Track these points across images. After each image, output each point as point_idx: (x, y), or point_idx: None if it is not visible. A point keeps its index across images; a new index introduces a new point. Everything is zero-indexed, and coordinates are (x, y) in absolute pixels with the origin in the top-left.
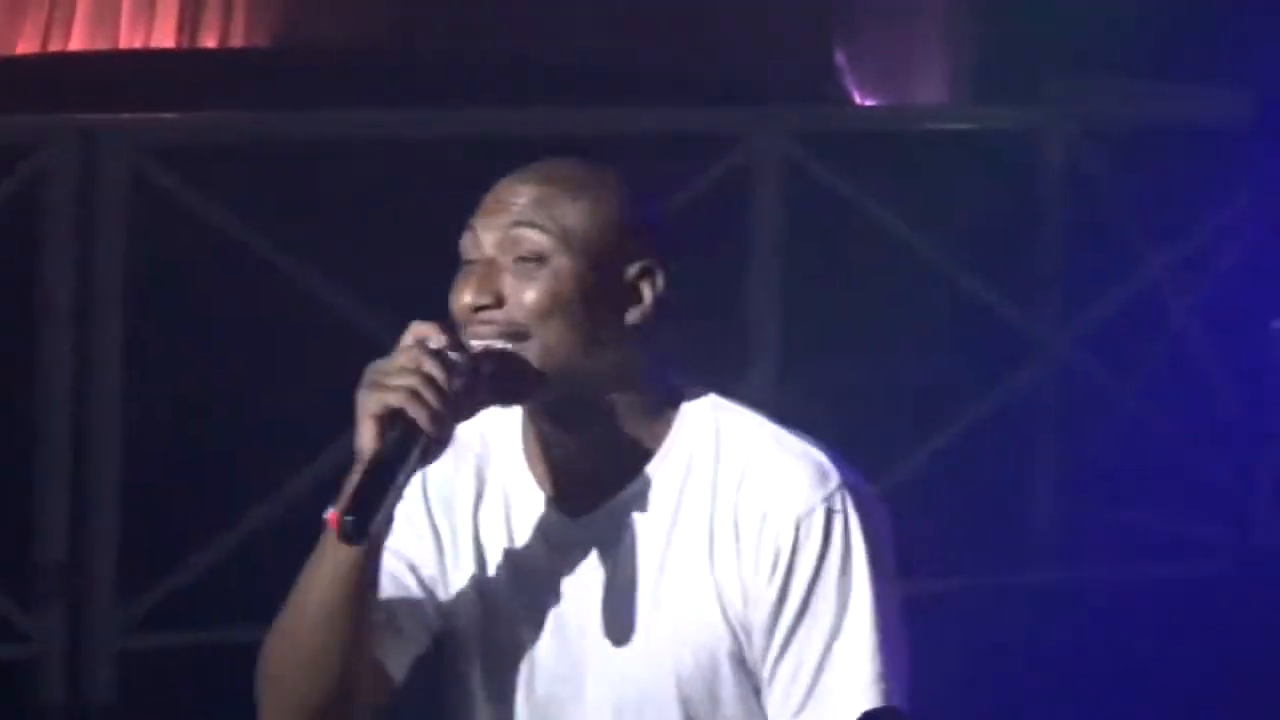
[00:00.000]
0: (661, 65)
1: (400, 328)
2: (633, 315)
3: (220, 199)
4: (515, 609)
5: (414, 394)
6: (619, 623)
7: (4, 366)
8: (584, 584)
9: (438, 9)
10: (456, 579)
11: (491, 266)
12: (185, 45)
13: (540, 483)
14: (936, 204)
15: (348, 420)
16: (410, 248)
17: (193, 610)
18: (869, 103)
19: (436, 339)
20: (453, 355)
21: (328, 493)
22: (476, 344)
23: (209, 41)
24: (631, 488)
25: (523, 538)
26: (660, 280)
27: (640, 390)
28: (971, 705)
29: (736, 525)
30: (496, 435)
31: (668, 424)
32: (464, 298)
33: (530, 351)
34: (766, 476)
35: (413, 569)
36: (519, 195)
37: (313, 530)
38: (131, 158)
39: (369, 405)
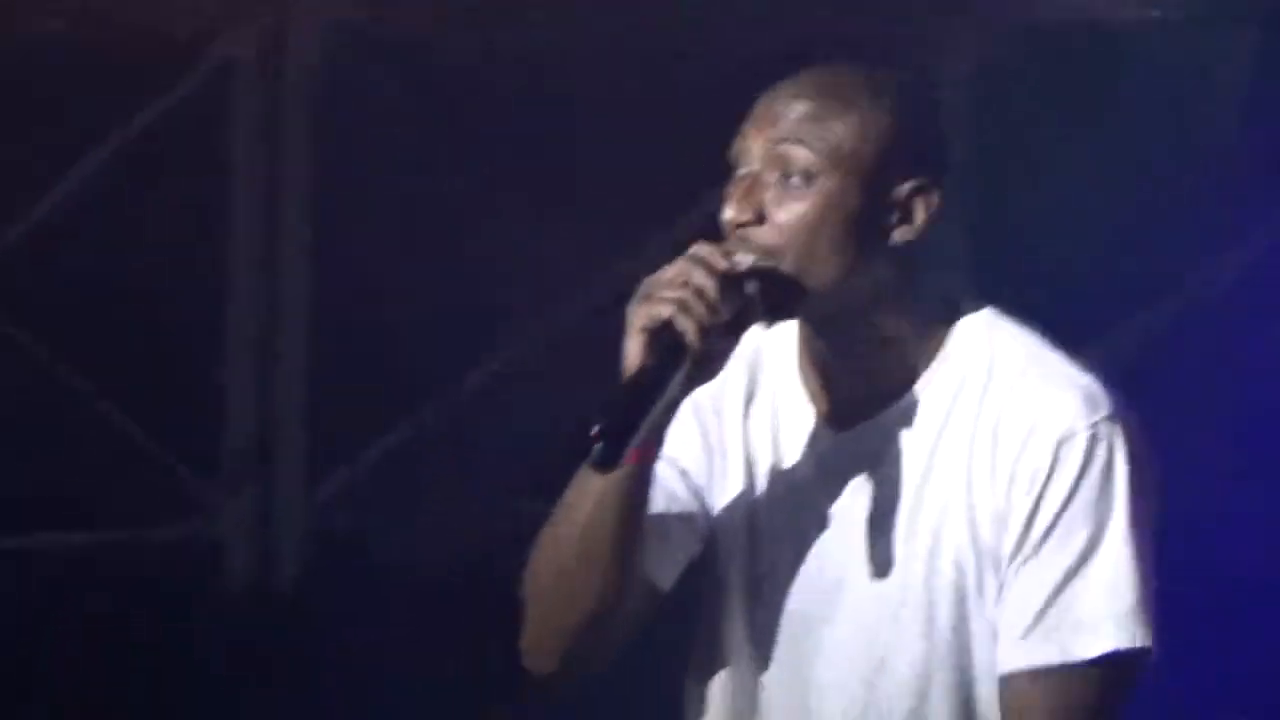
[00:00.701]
0: None
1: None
2: (901, 233)
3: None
4: (778, 519)
5: (683, 305)
6: (878, 539)
7: (197, 256)
8: (846, 498)
9: None
10: (723, 486)
11: (757, 181)
12: None
13: (811, 396)
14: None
15: (527, 309)
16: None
17: (377, 495)
18: None
19: (711, 255)
20: (725, 269)
21: (509, 382)
22: (742, 260)
23: None
24: (899, 404)
25: (789, 449)
26: (935, 198)
27: (909, 308)
28: None
29: (996, 443)
30: (771, 346)
31: (940, 341)
32: (726, 212)
33: (787, 272)
34: (1033, 396)
35: (683, 475)
36: (790, 108)
37: (492, 419)
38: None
39: (638, 318)
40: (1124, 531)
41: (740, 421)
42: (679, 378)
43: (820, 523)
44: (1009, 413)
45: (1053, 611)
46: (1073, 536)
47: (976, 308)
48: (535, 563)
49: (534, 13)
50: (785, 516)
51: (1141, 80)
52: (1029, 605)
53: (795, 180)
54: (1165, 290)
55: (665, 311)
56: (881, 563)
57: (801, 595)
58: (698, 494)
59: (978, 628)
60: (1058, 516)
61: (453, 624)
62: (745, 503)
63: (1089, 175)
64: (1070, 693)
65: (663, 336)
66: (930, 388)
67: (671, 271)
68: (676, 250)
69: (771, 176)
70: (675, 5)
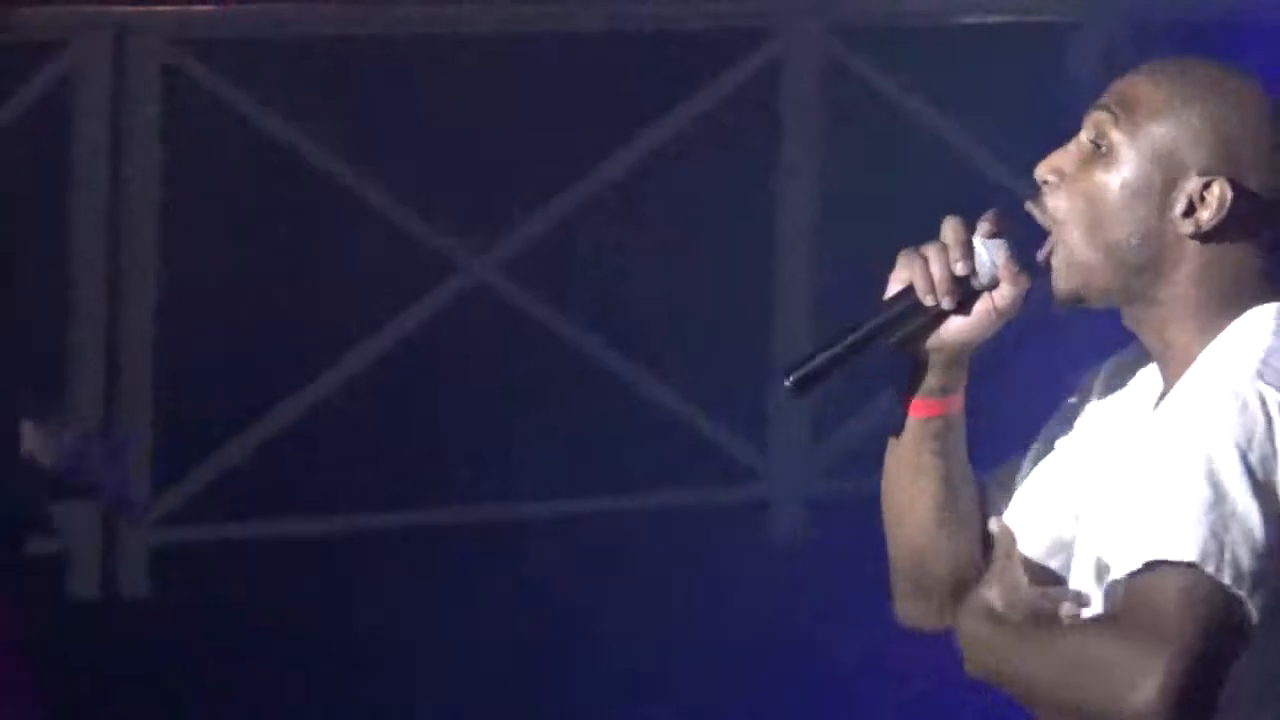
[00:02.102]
0: None
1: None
2: (1186, 226)
3: (253, 91)
4: (1086, 501)
5: (923, 260)
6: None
7: (39, 259)
8: (1119, 473)
9: None
10: (1088, 467)
11: (1073, 147)
12: None
13: (1142, 377)
14: (975, 97)
15: (380, 314)
16: (437, 142)
17: (222, 505)
18: None
19: (986, 222)
20: (985, 243)
21: (359, 388)
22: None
23: None
24: (1172, 394)
25: (1126, 431)
26: (1228, 197)
27: (1191, 298)
28: None
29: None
30: None
31: (1212, 336)
32: (1038, 168)
33: (1064, 242)
34: (1228, 360)
35: (1056, 458)
36: (1126, 84)
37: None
38: (164, 51)
39: (897, 269)
40: (1235, 489)
41: (1117, 419)
42: (915, 324)
43: (1101, 500)
44: (1168, 410)
45: (1151, 519)
46: (1172, 458)
47: (1262, 311)
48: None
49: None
50: (1090, 500)
51: (978, 79)
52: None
53: (1095, 150)
54: None
55: (908, 269)
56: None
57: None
58: (1067, 489)
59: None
60: (1168, 438)
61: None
62: (1072, 475)
63: (932, 168)
64: (1133, 597)
65: (905, 293)
66: (1185, 384)
67: (940, 234)
68: None
69: (1083, 142)
70: None
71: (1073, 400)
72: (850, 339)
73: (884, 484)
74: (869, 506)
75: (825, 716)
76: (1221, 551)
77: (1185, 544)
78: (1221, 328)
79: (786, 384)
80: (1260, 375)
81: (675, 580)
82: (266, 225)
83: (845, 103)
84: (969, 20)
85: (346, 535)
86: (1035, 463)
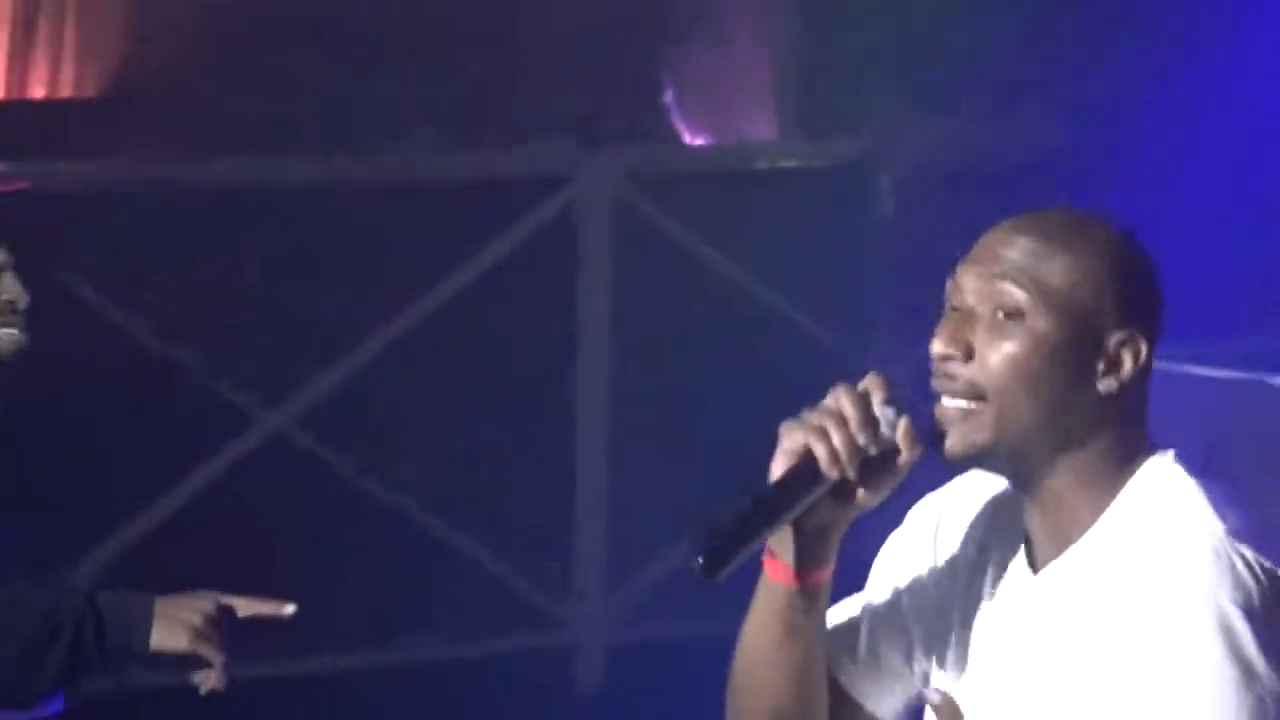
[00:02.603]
0: (480, 106)
1: None
2: (1106, 384)
3: None
4: (976, 653)
5: (822, 432)
6: (1031, 695)
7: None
8: (1023, 642)
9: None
10: (942, 612)
11: (969, 317)
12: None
13: (1021, 532)
14: (768, 242)
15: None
16: (237, 294)
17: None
18: (698, 141)
19: (874, 387)
20: (879, 408)
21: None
22: (943, 399)
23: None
24: (1070, 553)
25: (999, 584)
26: (1144, 351)
27: (1099, 455)
28: None
29: (1123, 604)
30: None
31: (1115, 492)
32: (934, 345)
33: (987, 416)
34: (1168, 573)
35: (906, 606)
36: (1008, 246)
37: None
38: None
39: (784, 440)
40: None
41: (976, 549)
42: (811, 499)
43: (997, 666)
44: (1144, 574)
45: None
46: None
47: (1161, 465)
48: (731, 672)
49: None
50: (980, 659)
51: (769, 222)
52: None
53: (1008, 319)
54: None
55: (803, 436)
56: (1032, 709)
57: None
58: (911, 620)
59: None
60: (1151, 691)
61: None
62: (954, 644)
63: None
64: None
65: (802, 462)
66: (1093, 540)
67: (828, 401)
68: None
69: (984, 313)
70: None
71: (904, 538)
72: (755, 521)
73: (746, 656)
74: (667, 651)
75: None
76: None
77: None
78: (1123, 481)
79: (696, 567)
80: (1227, 533)
81: None
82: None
83: (639, 249)
84: (760, 166)
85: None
86: (873, 606)
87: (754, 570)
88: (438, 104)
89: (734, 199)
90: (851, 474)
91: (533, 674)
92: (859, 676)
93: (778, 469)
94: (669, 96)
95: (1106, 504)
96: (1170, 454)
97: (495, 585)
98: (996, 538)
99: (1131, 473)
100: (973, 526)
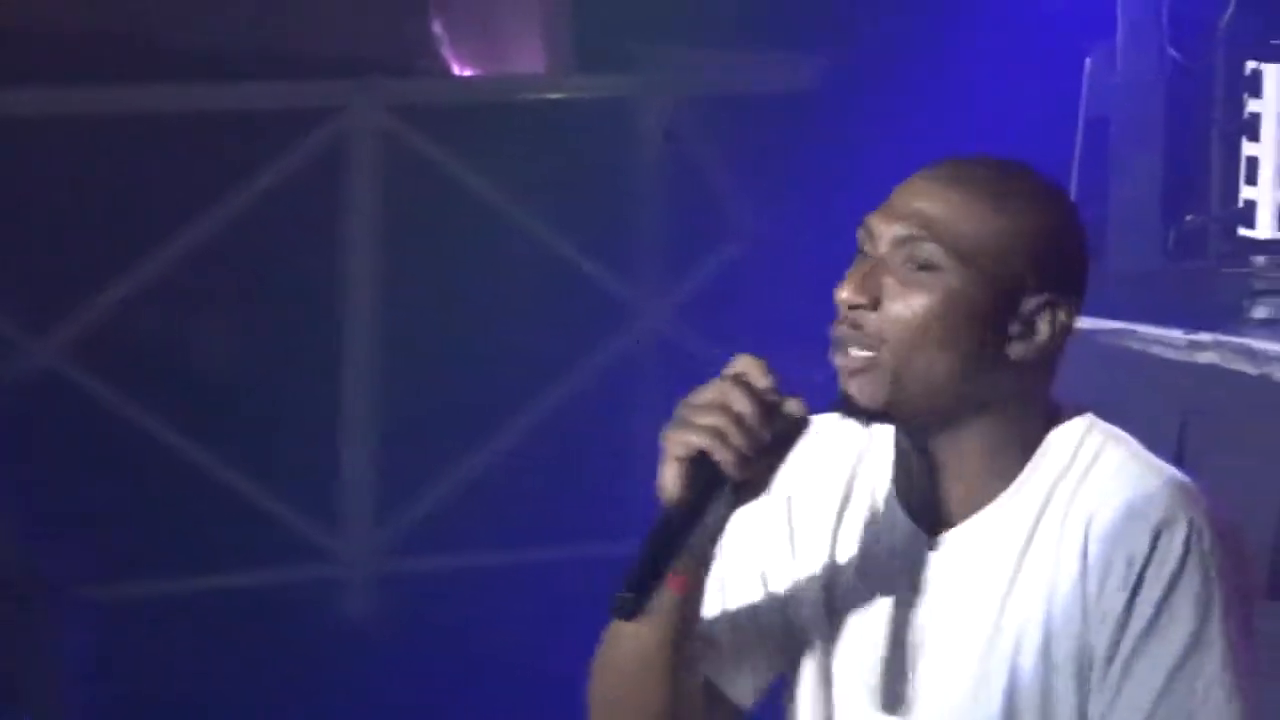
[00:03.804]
0: (250, 39)
1: None
2: (1018, 349)
3: None
4: (858, 621)
5: (719, 434)
6: (958, 649)
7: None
8: (933, 609)
9: None
10: (806, 583)
11: (879, 266)
12: None
13: (903, 495)
14: (536, 175)
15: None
16: (8, 223)
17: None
18: (466, 73)
19: (756, 374)
20: (769, 396)
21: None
22: (846, 348)
23: None
24: (989, 510)
25: (877, 549)
26: (1062, 318)
27: (1009, 420)
28: None
29: (1087, 541)
30: (873, 446)
31: (1032, 450)
32: (840, 292)
33: (887, 369)
34: (1124, 491)
35: (766, 587)
36: (927, 197)
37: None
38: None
39: (673, 446)
40: (1226, 631)
41: (834, 516)
42: (719, 504)
43: (899, 626)
44: (1103, 507)
45: (1161, 712)
46: (1176, 629)
47: (1075, 415)
48: (590, 691)
49: None
50: (864, 618)
51: (539, 154)
52: (1138, 706)
53: (920, 270)
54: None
55: (700, 441)
56: (960, 666)
57: (875, 700)
58: (782, 607)
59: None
60: (1159, 608)
61: None
62: (829, 612)
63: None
64: None
65: (698, 466)
66: (1021, 493)
67: (709, 394)
68: None
69: (895, 263)
70: None
71: (754, 515)
72: (670, 544)
73: (624, 664)
74: (436, 582)
75: None
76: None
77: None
78: (1038, 445)
79: (623, 608)
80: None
81: (250, 659)
82: None
83: (408, 181)
84: (528, 98)
85: None
86: (731, 590)
87: (520, 504)
88: (209, 35)
89: (503, 132)
90: (758, 472)
91: (301, 606)
92: (722, 665)
93: (670, 477)
94: (438, 28)
95: (1018, 470)
96: (1090, 415)
97: (263, 518)
98: (865, 505)
99: (1045, 435)
100: (831, 487)
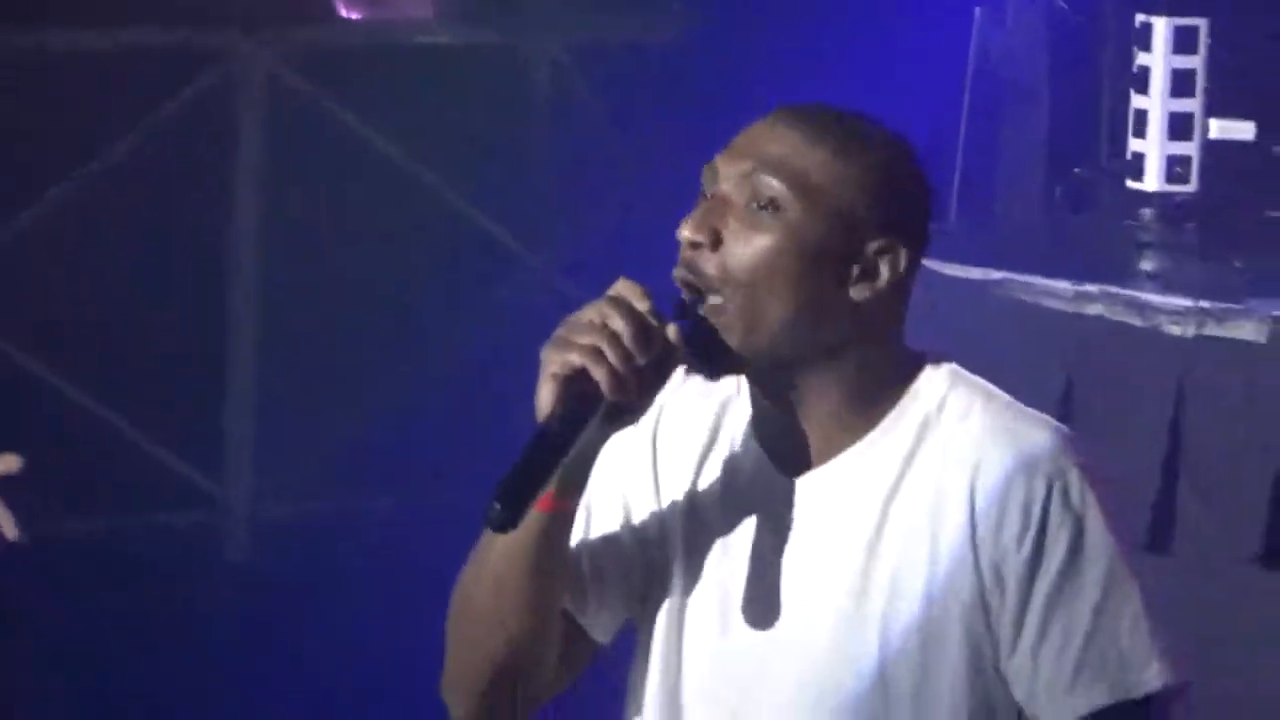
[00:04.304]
0: None
1: None
2: (859, 291)
3: None
4: (721, 564)
5: (596, 353)
6: (821, 593)
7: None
8: (794, 550)
9: None
10: (669, 524)
11: (721, 205)
12: None
13: (767, 446)
14: (426, 121)
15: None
16: None
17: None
18: (354, 16)
19: (635, 297)
20: (648, 319)
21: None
22: (685, 293)
23: None
24: (853, 450)
25: (738, 492)
26: (903, 261)
27: (858, 366)
28: None
29: (973, 491)
30: (740, 392)
31: (896, 395)
32: (682, 230)
33: (731, 306)
34: (1010, 441)
35: (629, 524)
36: (771, 139)
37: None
38: None
39: (550, 364)
40: (1128, 569)
41: (698, 457)
42: (593, 426)
43: (765, 569)
44: (988, 458)
45: (1093, 653)
46: (1092, 571)
47: (939, 363)
48: (452, 604)
49: None
50: (728, 561)
51: (427, 100)
52: (1067, 654)
53: (761, 210)
54: None
55: (578, 359)
56: (829, 619)
57: (738, 647)
58: (643, 544)
59: (938, 684)
60: (1071, 553)
61: None
62: (689, 554)
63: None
64: None
65: (575, 385)
66: (886, 439)
67: (589, 314)
68: None
69: (738, 202)
70: None
71: (620, 450)
72: (544, 459)
73: (486, 585)
74: (315, 527)
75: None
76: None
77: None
78: (899, 392)
79: (494, 520)
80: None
81: (132, 603)
82: None
83: (295, 127)
84: (419, 40)
85: None
86: (593, 526)
87: (403, 451)
88: None
89: (392, 77)
90: (633, 394)
91: (180, 549)
92: (582, 598)
93: (546, 395)
94: None
95: (876, 416)
96: (953, 365)
97: (147, 462)
98: (729, 447)
99: (908, 383)
100: (696, 432)
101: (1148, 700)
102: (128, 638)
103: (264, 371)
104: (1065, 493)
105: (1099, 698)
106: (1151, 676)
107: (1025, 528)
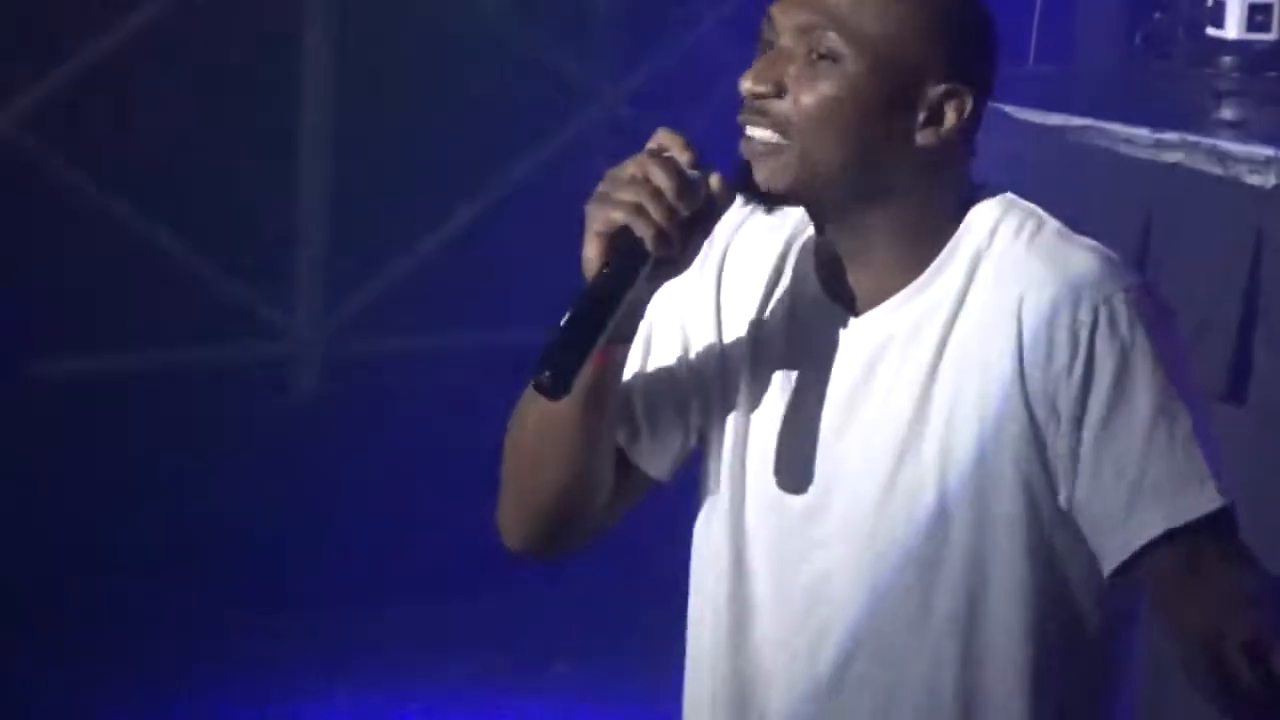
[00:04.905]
0: None
1: None
2: (925, 137)
3: None
4: (781, 399)
5: (639, 208)
6: (881, 429)
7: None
8: (853, 386)
9: None
10: (730, 358)
11: (781, 55)
12: None
13: (827, 288)
14: None
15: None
16: None
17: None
18: None
19: (677, 149)
20: (690, 171)
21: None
22: (749, 130)
23: None
24: (904, 295)
25: (802, 329)
26: (968, 106)
27: (919, 207)
28: None
29: (1020, 319)
30: (801, 235)
31: (952, 230)
32: (744, 82)
33: (792, 154)
34: (1057, 268)
35: (687, 362)
36: None
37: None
38: None
39: (594, 221)
40: (1182, 393)
41: (759, 305)
42: (641, 279)
43: (823, 413)
44: (1034, 285)
45: (1147, 482)
46: (1140, 396)
47: (994, 194)
48: (507, 442)
49: None
50: (790, 404)
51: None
52: (1120, 484)
53: (821, 60)
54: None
55: (620, 216)
56: (888, 455)
57: (801, 485)
58: (701, 380)
59: (995, 521)
60: (1119, 377)
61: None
62: (750, 387)
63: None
64: (1200, 552)
65: (620, 240)
66: (941, 276)
67: (630, 169)
68: None
69: (799, 53)
70: None
71: (682, 287)
72: (593, 317)
73: (535, 431)
74: (384, 363)
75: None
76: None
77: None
78: (953, 228)
79: (545, 383)
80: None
81: (202, 433)
82: None
83: None
84: None
85: None
86: (650, 364)
87: (472, 287)
88: None
89: None
90: (678, 247)
91: (253, 383)
92: (637, 435)
93: (592, 252)
94: None
95: (932, 255)
96: (1008, 195)
97: (220, 296)
98: (792, 286)
99: (963, 216)
100: (760, 266)
101: (1208, 523)
102: (197, 468)
103: (337, 207)
104: (1112, 319)
105: (1155, 526)
106: (1207, 499)
107: (1074, 356)
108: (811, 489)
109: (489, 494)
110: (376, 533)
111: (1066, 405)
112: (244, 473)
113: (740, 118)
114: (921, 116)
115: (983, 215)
